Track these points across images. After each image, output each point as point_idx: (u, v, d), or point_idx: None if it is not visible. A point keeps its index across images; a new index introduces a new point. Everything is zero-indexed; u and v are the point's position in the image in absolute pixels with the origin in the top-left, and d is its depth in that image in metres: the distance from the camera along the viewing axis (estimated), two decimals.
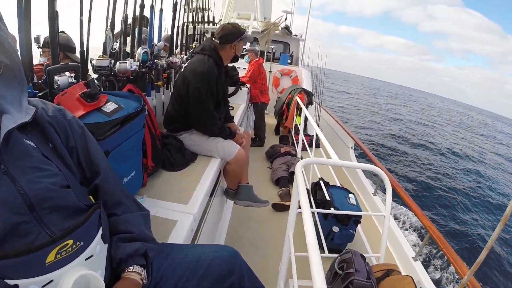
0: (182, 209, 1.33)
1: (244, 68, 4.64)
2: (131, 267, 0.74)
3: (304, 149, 3.81)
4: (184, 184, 1.54)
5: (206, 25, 4.51)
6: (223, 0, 7.27)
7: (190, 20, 3.27)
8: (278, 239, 2.37)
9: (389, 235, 1.99)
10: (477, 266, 1.18)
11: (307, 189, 2.68)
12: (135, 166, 1.27)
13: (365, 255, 1.56)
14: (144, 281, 0.75)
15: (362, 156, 6.61)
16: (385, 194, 1.60)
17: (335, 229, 2.24)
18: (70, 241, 0.60)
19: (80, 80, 1.24)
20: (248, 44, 4.99)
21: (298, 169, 1.36)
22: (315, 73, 7.57)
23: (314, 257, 0.80)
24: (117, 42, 1.66)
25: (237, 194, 2.19)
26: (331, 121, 5.71)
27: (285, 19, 6.38)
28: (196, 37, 3.57)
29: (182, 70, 1.95)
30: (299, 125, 3.94)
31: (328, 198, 2.43)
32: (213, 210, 1.91)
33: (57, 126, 0.74)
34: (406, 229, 6.00)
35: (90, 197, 0.78)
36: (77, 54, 1.39)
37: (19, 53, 1.01)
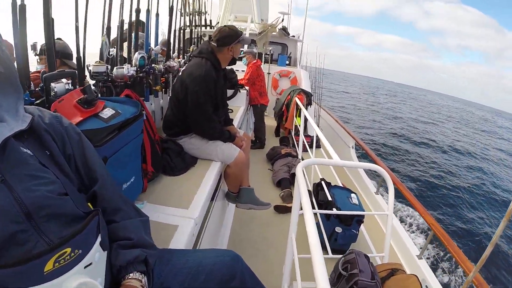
0: (183, 213, 1.32)
1: (242, 71, 4.65)
2: (131, 274, 0.73)
3: (304, 150, 3.80)
4: (185, 189, 1.53)
5: (203, 28, 4.52)
6: (220, 3, 7.29)
7: (187, 23, 3.27)
8: (281, 241, 2.36)
9: (392, 234, 1.98)
10: (482, 263, 1.17)
11: (309, 190, 2.67)
12: (135, 171, 1.26)
13: (369, 255, 1.55)
14: None
15: (363, 156, 6.59)
16: (388, 193, 1.59)
17: (338, 229, 2.22)
18: (68, 249, 0.59)
19: (77, 86, 1.23)
20: (246, 46, 4.99)
21: (299, 170, 1.36)
22: (313, 73, 7.58)
23: (317, 258, 0.79)
24: (114, 48, 1.66)
25: (238, 197, 2.18)
26: (331, 121, 5.70)
27: (282, 20, 6.39)
28: (193, 41, 3.57)
29: (180, 74, 1.94)
30: (299, 126, 3.94)
31: (330, 198, 2.42)
32: (215, 214, 1.90)
33: (54, 133, 0.74)
34: (413, 231, 5.89)
35: (89, 204, 0.77)
36: (74, 60, 1.39)
37: (15, 61, 1.01)
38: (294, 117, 4.62)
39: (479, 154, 15.24)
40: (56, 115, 0.78)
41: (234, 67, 2.97)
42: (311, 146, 3.37)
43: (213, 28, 5.90)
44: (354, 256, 1.50)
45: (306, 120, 3.53)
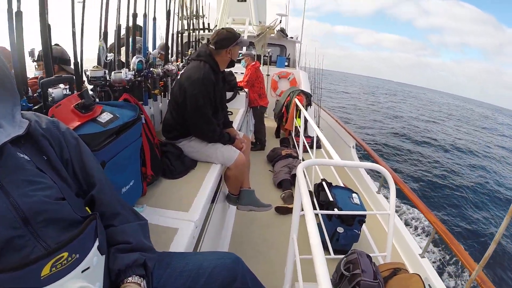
0: (183, 216, 1.31)
1: (241, 73, 4.66)
2: (130, 278, 0.73)
3: (305, 150, 3.80)
4: (185, 192, 1.53)
5: (201, 31, 4.53)
6: (218, 6, 7.31)
7: (185, 27, 3.28)
8: (282, 243, 2.35)
9: (394, 233, 1.97)
10: (485, 261, 1.16)
11: (310, 191, 2.66)
12: (134, 175, 1.26)
13: (371, 254, 1.54)
14: None
15: (365, 157, 6.56)
16: (389, 192, 1.59)
17: (340, 229, 2.21)
18: (65, 254, 0.59)
19: (75, 91, 1.23)
20: (244, 48, 5.00)
21: (299, 171, 1.35)
22: (313, 74, 7.58)
23: (319, 259, 0.78)
24: (112, 54, 1.66)
25: (239, 199, 2.18)
26: (331, 122, 5.70)
27: (280, 22, 6.41)
28: (191, 44, 3.58)
29: (179, 77, 1.94)
30: (299, 127, 3.93)
31: (331, 198, 2.41)
32: (215, 216, 1.89)
33: (51, 138, 0.74)
34: (418, 235, 5.77)
35: (87, 208, 0.77)
36: (73, 66, 1.39)
37: (12, 67, 1.01)
38: (294, 118, 4.62)
39: (481, 152, 15.17)
40: (53, 120, 0.79)
41: (233, 69, 2.97)
42: (311, 147, 3.37)
43: (211, 32, 5.92)
44: (356, 256, 1.50)
45: (306, 121, 3.53)
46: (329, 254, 1.94)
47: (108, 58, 1.58)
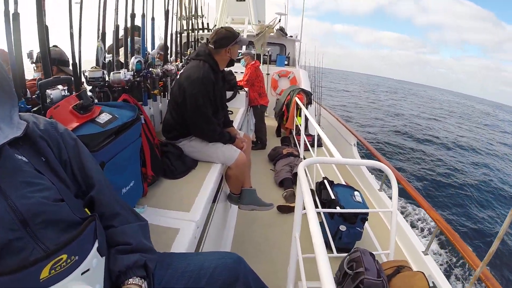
0: (184, 217, 1.30)
1: (241, 72, 4.65)
2: (130, 279, 0.72)
3: (306, 149, 3.79)
4: (185, 192, 1.52)
5: (200, 31, 4.53)
6: (217, 5, 7.31)
7: (184, 27, 3.27)
8: (284, 242, 2.34)
9: (397, 230, 1.96)
10: (489, 257, 1.15)
11: (312, 189, 2.65)
12: (134, 176, 1.25)
13: (374, 252, 1.53)
14: None
15: (367, 155, 6.53)
16: (391, 189, 1.58)
17: (342, 228, 2.20)
18: (64, 256, 0.58)
19: (74, 92, 1.23)
20: (243, 47, 4.98)
21: (301, 169, 1.34)
22: (313, 73, 7.57)
23: (321, 257, 0.78)
24: (110, 55, 1.65)
25: (240, 199, 2.17)
26: (332, 120, 5.68)
27: (279, 21, 6.39)
28: (191, 44, 3.57)
29: (178, 77, 1.94)
30: (300, 125, 3.92)
31: (333, 197, 2.40)
32: (217, 216, 1.89)
33: (49, 139, 0.73)
34: (424, 236, 5.64)
35: (86, 209, 0.76)
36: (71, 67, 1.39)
37: (10, 69, 1.00)
38: (295, 117, 4.61)
39: (484, 150, 15.07)
40: (51, 122, 0.78)
41: (232, 68, 2.96)
42: (312, 145, 3.36)
43: (210, 31, 5.92)
44: (359, 254, 1.49)
45: (306, 119, 3.51)
46: (332, 252, 1.93)
47: (106, 59, 1.58)
